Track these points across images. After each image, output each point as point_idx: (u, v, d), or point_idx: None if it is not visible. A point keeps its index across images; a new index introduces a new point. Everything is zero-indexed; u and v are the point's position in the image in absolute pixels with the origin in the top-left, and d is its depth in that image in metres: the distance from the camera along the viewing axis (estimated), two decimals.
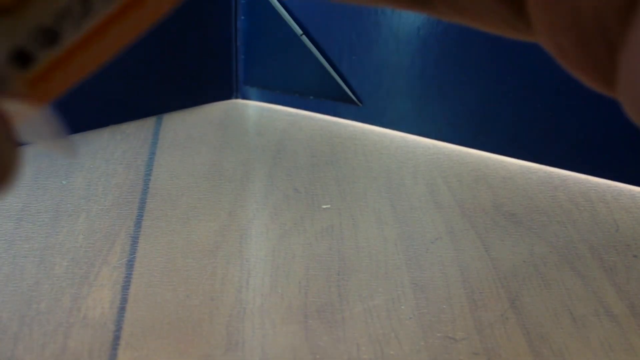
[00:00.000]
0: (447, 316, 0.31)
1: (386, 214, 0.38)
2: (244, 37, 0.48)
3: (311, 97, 0.48)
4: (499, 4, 0.15)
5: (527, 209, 0.39)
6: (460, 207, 0.39)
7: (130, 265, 0.34)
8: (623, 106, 0.14)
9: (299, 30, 0.47)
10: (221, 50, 0.48)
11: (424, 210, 0.38)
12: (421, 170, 0.42)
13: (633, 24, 0.13)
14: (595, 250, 0.35)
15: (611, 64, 0.14)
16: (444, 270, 0.34)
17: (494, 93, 0.43)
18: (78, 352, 0.29)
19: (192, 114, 0.48)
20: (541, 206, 0.39)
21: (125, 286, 0.32)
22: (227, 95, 0.50)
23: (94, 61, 0.15)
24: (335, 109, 0.47)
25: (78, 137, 0.44)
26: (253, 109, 0.49)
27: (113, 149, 0.44)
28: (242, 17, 0.48)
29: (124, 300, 0.32)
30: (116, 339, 0.30)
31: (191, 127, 0.46)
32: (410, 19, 0.43)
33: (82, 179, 0.40)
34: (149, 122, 0.47)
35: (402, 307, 0.32)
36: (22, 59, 0.14)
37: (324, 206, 0.39)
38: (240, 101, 0.50)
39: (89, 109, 0.45)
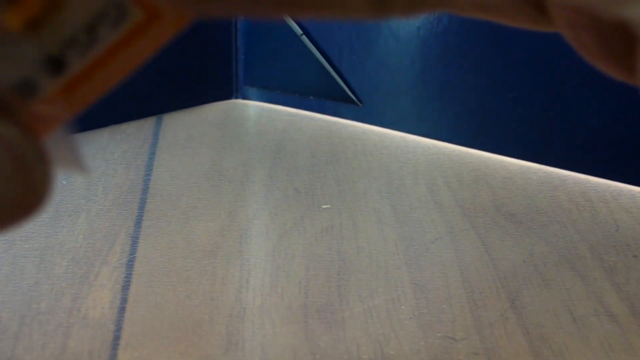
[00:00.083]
0: (447, 316, 0.31)
1: (386, 214, 0.38)
2: (244, 37, 0.48)
3: (311, 97, 0.48)
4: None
5: (527, 209, 0.39)
6: (460, 207, 0.39)
7: (130, 265, 0.34)
8: None
9: (299, 30, 0.47)
10: (221, 50, 0.48)
11: (424, 210, 0.38)
12: (421, 170, 0.42)
13: None
14: (595, 250, 0.35)
15: (631, 55, 0.14)
16: (444, 270, 0.34)
17: (494, 93, 0.43)
18: (78, 352, 0.29)
19: (192, 114, 0.48)
20: (541, 206, 0.39)
21: (125, 286, 0.32)
22: (227, 95, 0.50)
23: (97, 89, 0.15)
24: (335, 109, 0.47)
25: (78, 137, 0.44)
26: (253, 109, 0.49)
27: (113, 149, 0.44)
28: (242, 17, 0.48)
29: (124, 300, 0.32)
30: (116, 339, 0.30)
31: (191, 127, 0.46)
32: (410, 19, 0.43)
33: (82, 179, 0.40)
34: (149, 122, 0.47)
35: (402, 307, 0.32)
36: (28, 88, 0.14)
37: (324, 206, 0.39)
38: (240, 101, 0.50)
39: (88, 109, 0.45)
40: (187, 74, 0.48)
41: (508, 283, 0.33)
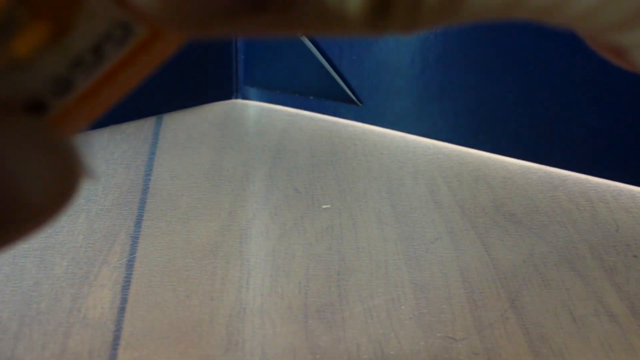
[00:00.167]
0: (447, 316, 0.31)
1: (386, 214, 0.38)
2: (244, 37, 0.48)
3: (311, 97, 0.48)
4: None
5: (527, 209, 0.39)
6: (460, 207, 0.39)
7: (130, 265, 0.34)
8: None
9: None
10: (221, 50, 0.48)
11: (424, 210, 0.38)
12: (421, 170, 0.42)
13: None
14: (595, 250, 0.35)
15: None
16: (444, 270, 0.34)
17: (494, 93, 0.43)
18: (78, 352, 0.29)
19: (192, 114, 0.48)
20: (541, 206, 0.39)
21: (125, 286, 0.33)
22: (227, 95, 0.50)
23: (102, 105, 0.15)
24: (335, 109, 0.47)
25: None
26: (253, 109, 0.49)
27: (113, 149, 0.44)
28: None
29: (124, 300, 0.32)
30: (116, 339, 0.30)
31: (191, 127, 0.46)
32: None
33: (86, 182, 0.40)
34: (149, 122, 0.47)
35: (402, 307, 0.32)
36: (37, 109, 0.15)
37: (324, 206, 0.39)
38: (240, 101, 0.50)
39: None
40: (187, 74, 0.48)
41: (508, 283, 0.33)
